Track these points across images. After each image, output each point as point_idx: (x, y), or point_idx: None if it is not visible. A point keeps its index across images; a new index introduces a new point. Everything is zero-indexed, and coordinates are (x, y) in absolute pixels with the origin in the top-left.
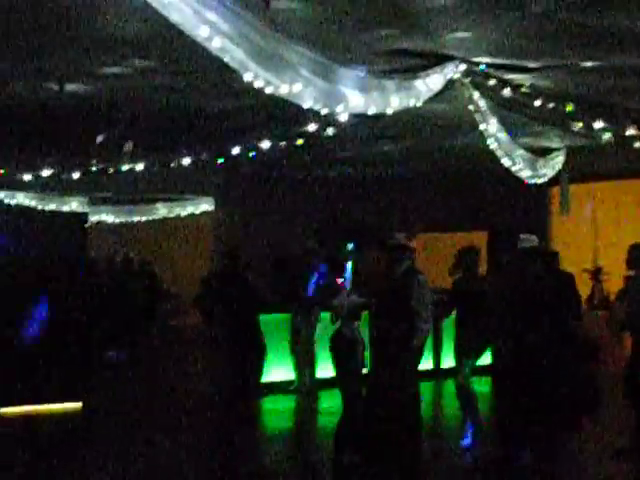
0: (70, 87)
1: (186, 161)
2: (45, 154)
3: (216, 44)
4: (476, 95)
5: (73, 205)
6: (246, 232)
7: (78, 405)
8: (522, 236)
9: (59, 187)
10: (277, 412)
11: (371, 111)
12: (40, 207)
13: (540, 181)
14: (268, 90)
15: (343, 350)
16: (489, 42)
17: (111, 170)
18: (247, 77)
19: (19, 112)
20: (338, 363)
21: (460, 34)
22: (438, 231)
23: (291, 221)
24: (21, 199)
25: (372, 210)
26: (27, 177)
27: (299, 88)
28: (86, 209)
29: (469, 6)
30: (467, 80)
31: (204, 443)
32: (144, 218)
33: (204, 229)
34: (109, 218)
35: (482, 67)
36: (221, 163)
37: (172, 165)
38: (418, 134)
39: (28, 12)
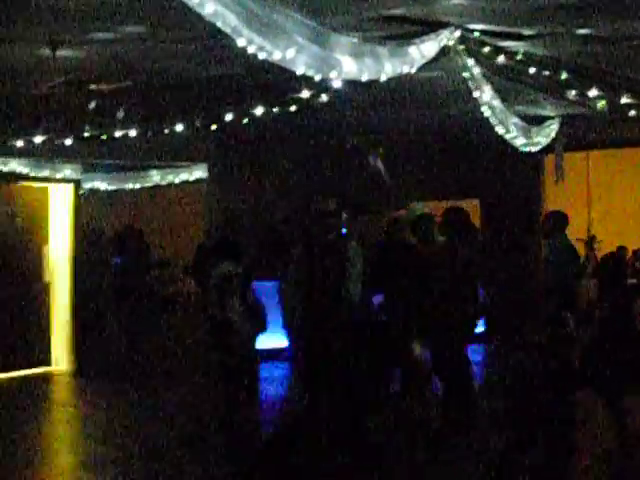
0: (62, 52)
1: (179, 128)
2: (38, 120)
3: (209, 9)
4: (470, 62)
5: (67, 172)
6: (240, 199)
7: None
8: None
9: (52, 154)
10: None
11: (364, 78)
12: (33, 174)
13: (534, 149)
14: (261, 56)
15: None
16: (484, 9)
17: (104, 137)
18: (240, 43)
19: (11, 77)
20: None
21: (455, 0)
22: (431, 200)
23: (284, 189)
24: (14, 166)
25: (364, 179)
26: (20, 143)
27: (292, 54)
28: (79, 176)
29: None
30: (461, 47)
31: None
32: (137, 185)
33: (197, 196)
34: (102, 185)
35: (477, 34)
36: (215, 130)
37: (165, 132)
38: (411, 102)
39: None
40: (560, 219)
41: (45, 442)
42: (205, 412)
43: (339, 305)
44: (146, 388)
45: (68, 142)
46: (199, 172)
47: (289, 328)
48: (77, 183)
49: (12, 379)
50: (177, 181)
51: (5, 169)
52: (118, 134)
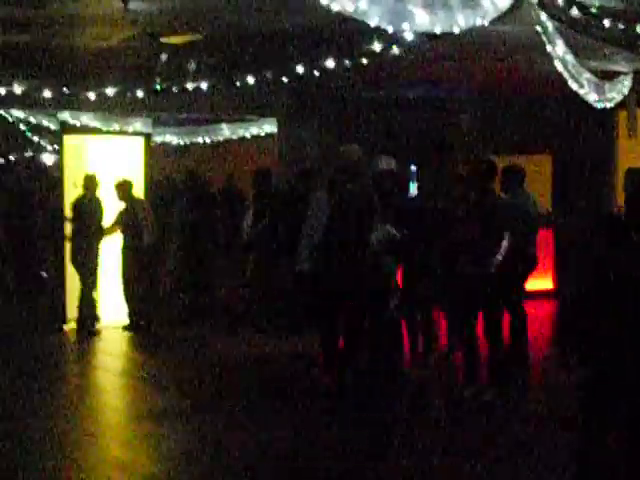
0: (133, 5)
1: (251, 81)
2: (109, 73)
3: None
4: (543, 16)
5: (137, 126)
6: (310, 154)
7: None
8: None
9: (123, 108)
10: None
11: (437, 30)
12: (105, 128)
13: (607, 105)
14: (335, 8)
15: None
16: None
17: (175, 90)
18: None
19: (82, 31)
20: None
21: None
22: (503, 154)
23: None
24: (85, 120)
25: (436, 133)
26: (92, 96)
27: (366, 6)
28: (150, 130)
29: None
30: (535, 0)
31: None
32: (208, 139)
33: (267, 151)
34: (173, 139)
35: None
36: (285, 83)
37: (237, 85)
38: (483, 55)
39: None
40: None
41: (107, 394)
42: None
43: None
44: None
45: (140, 95)
46: (269, 126)
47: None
48: (148, 137)
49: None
50: (247, 135)
51: (77, 123)
52: (189, 87)
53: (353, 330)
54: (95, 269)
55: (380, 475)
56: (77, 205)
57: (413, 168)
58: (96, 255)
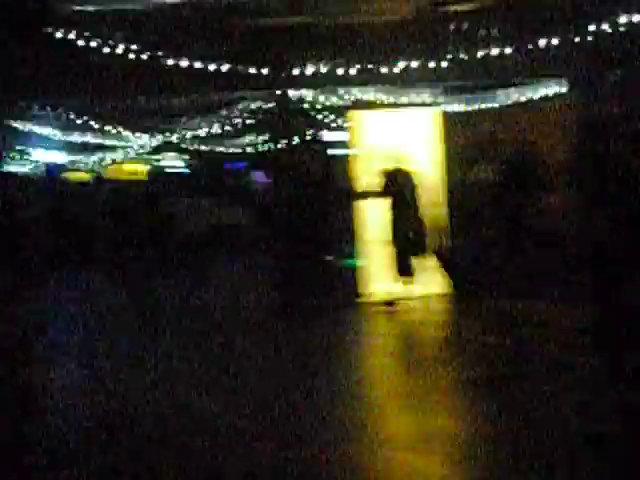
0: None
1: (543, 43)
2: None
3: None
4: None
5: (425, 96)
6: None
7: None
8: None
9: (413, 79)
10: None
11: None
12: (392, 100)
13: None
14: None
15: None
16: None
17: (466, 57)
18: None
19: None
20: None
21: None
22: None
23: None
24: (371, 95)
25: None
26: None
27: None
28: (439, 99)
29: None
30: None
31: None
32: (496, 105)
33: (556, 112)
34: (461, 107)
35: None
36: (577, 43)
37: (539, 47)
38: None
39: None
40: None
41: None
42: None
43: None
44: None
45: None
46: (557, 87)
47: None
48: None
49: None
50: (536, 97)
51: (365, 97)
52: (480, 54)
53: None
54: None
55: None
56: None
57: None
58: None
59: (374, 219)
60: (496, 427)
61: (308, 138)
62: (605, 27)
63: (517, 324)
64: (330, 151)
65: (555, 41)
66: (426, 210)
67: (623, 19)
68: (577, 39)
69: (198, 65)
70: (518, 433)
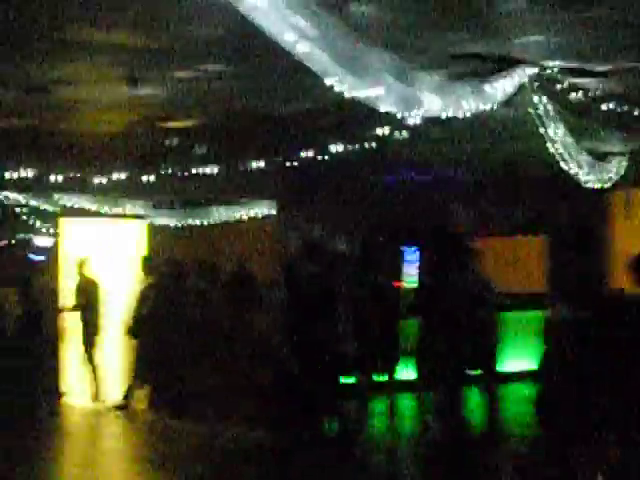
0: (143, 90)
1: (257, 165)
2: (116, 158)
3: (303, 49)
4: (544, 99)
5: (137, 209)
6: (309, 235)
7: None
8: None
9: (126, 190)
10: None
11: (444, 115)
12: (103, 210)
13: (603, 186)
14: (349, 94)
15: None
16: (560, 46)
17: (180, 175)
18: (329, 81)
19: (90, 115)
20: None
21: (532, 38)
22: (497, 235)
23: (353, 224)
24: (82, 203)
25: (433, 213)
26: (99, 180)
27: (380, 92)
28: (149, 212)
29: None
30: (536, 84)
31: None
32: (205, 222)
33: (266, 232)
34: (171, 222)
35: (552, 70)
36: (291, 167)
37: (242, 169)
38: (480, 138)
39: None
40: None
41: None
42: None
43: None
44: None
45: (149, 179)
46: (266, 209)
47: None
48: (147, 220)
49: None
50: (245, 217)
51: (76, 205)
52: (194, 172)
53: None
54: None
55: None
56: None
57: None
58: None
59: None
60: None
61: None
62: (310, 154)
63: None
64: (35, 257)
65: (265, 164)
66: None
67: (338, 147)
68: (287, 163)
69: None
70: None
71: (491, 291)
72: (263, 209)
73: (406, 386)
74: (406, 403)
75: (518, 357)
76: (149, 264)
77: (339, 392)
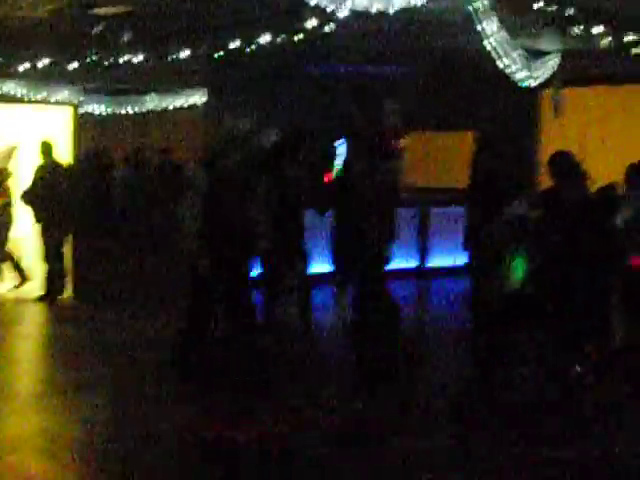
0: None
1: (184, 54)
2: (42, 44)
3: None
4: None
5: (66, 95)
6: (236, 125)
7: None
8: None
9: (51, 77)
10: None
11: (374, 8)
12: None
13: (533, 84)
14: None
15: None
16: None
17: (107, 62)
18: None
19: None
20: None
21: None
22: (427, 130)
23: (280, 117)
24: (13, 88)
25: (362, 108)
26: (22, 67)
27: None
28: (79, 99)
29: None
30: None
31: None
32: (135, 109)
33: (195, 121)
34: (100, 109)
35: None
36: (219, 57)
37: (169, 58)
38: (413, 33)
39: None
40: None
41: (44, 362)
42: None
43: None
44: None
45: (73, 67)
46: (197, 97)
47: None
48: (75, 107)
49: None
50: (175, 106)
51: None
52: (122, 60)
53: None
54: None
55: None
56: None
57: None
58: None
59: None
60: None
61: None
62: (249, 45)
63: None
64: None
65: (195, 52)
66: None
67: (265, 39)
68: (220, 54)
69: None
70: None
71: (396, 189)
72: (195, 97)
73: (324, 278)
74: (321, 296)
75: (446, 253)
76: (48, 149)
77: (251, 285)
